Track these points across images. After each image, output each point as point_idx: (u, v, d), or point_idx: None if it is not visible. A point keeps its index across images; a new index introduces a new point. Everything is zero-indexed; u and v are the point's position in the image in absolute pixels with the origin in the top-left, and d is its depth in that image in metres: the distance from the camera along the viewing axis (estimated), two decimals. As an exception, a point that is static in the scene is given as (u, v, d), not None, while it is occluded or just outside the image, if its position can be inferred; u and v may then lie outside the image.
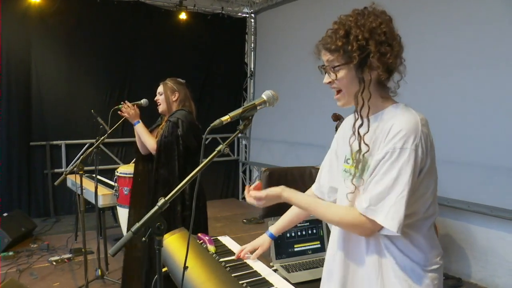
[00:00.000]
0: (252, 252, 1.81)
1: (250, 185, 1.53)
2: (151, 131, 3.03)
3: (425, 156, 1.23)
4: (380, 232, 1.25)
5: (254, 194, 1.47)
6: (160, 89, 2.95)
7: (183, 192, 2.75)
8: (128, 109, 2.92)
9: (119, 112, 2.96)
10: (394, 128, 1.23)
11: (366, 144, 1.30)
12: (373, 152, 1.29)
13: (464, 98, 3.65)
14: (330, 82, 1.35)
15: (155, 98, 2.98)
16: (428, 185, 1.27)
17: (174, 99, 2.91)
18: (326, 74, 1.35)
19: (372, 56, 1.24)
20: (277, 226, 1.79)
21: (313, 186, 1.68)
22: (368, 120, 1.31)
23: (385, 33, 1.26)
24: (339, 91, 1.36)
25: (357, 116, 1.34)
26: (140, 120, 2.92)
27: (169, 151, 2.76)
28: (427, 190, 1.27)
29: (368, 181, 1.26)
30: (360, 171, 1.31)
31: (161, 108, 2.95)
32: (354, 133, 1.35)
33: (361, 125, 1.33)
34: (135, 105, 2.96)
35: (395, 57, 1.27)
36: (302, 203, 1.42)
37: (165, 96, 2.91)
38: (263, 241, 1.82)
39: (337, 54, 1.29)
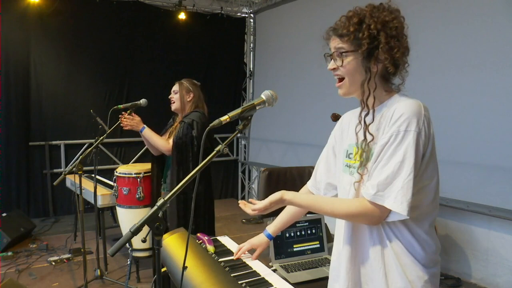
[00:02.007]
0: (250, 251, 1.81)
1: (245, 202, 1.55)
2: (164, 132, 3.04)
3: (427, 140, 1.24)
4: (388, 219, 1.26)
5: (258, 206, 1.46)
6: (176, 87, 2.99)
7: (198, 193, 2.79)
8: (129, 122, 2.88)
9: (121, 125, 2.92)
10: (396, 112, 1.25)
11: (371, 134, 1.32)
12: (376, 141, 1.30)
13: (464, 98, 3.65)
14: (334, 69, 1.36)
15: (170, 96, 3.01)
16: (431, 176, 1.28)
17: (188, 99, 2.96)
18: (332, 60, 1.36)
19: (381, 48, 1.27)
20: (274, 226, 1.79)
21: (309, 183, 1.69)
22: (374, 110, 1.34)
23: (396, 28, 1.29)
24: (341, 80, 1.36)
25: (363, 105, 1.35)
26: (145, 126, 2.91)
27: (184, 152, 2.78)
28: (430, 181, 1.28)
29: (373, 167, 1.27)
30: (364, 160, 1.32)
31: (175, 106, 2.98)
32: (360, 122, 1.37)
33: (367, 114, 1.34)
34: (131, 113, 2.91)
35: (402, 54, 1.29)
36: (305, 203, 1.41)
37: (180, 95, 2.95)
38: (260, 241, 1.81)
39: (347, 39, 1.31)
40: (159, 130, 3.21)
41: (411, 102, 1.26)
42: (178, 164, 2.78)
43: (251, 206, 1.49)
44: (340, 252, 1.42)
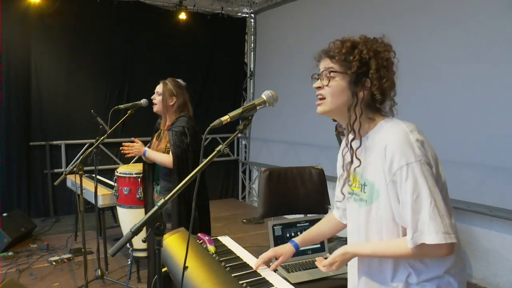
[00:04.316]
0: (270, 259, 1.72)
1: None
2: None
3: (430, 161, 1.26)
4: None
5: (325, 263, 1.44)
6: (159, 88, 2.87)
7: (199, 194, 2.77)
8: (131, 149, 2.84)
9: (126, 155, 2.89)
10: (388, 149, 1.25)
11: (358, 159, 1.36)
12: (370, 172, 1.33)
13: (464, 98, 3.64)
14: (319, 88, 1.38)
15: (152, 97, 2.90)
16: (440, 189, 1.29)
17: (171, 103, 2.84)
18: (318, 80, 1.38)
19: (371, 74, 1.29)
20: (303, 237, 1.76)
21: (336, 214, 1.69)
22: (360, 135, 1.36)
23: (387, 59, 1.32)
24: (322, 99, 1.38)
25: (349, 129, 1.37)
26: (146, 149, 2.86)
27: (183, 161, 2.72)
28: (441, 190, 1.29)
29: (400, 210, 1.27)
30: (368, 196, 1.34)
31: (156, 108, 2.89)
32: (347, 145, 1.40)
33: (353, 139, 1.37)
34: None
35: (389, 86, 1.31)
36: (367, 252, 1.39)
37: (163, 98, 2.84)
38: (285, 249, 1.74)
39: (337, 58, 1.33)
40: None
41: (397, 133, 1.27)
42: (179, 174, 2.71)
43: (321, 264, 1.47)
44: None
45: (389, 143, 1.26)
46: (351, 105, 1.32)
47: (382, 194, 1.30)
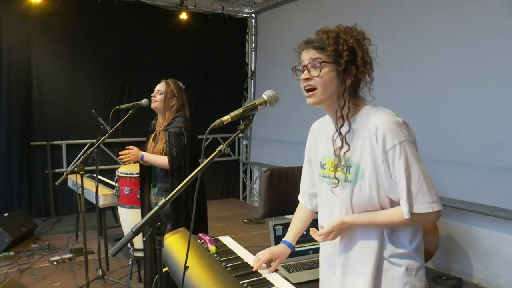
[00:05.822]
0: (269, 261, 1.72)
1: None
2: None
3: (413, 140, 1.36)
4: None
5: (321, 232, 1.45)
6: (161, 87, 2.86)
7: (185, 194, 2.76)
8: (128, 156, 2.81)
9: (125, 163, 2.88)
10: (379, 131, 1.32)
11: (347, 144, 1.39)
12: (357, 154, 1.38)
13: (464, 98, 3.64)
14: (307, 79, 1.41)
15: (152, 94, 2.88)
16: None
17: (171, 104, 2.84)
18: (305, 71, 1.42)
19: (359, 61, 1.34)
20: (292, 234, 1.76)
21: (301, 200, 1.78)
22: (349, 120, 1.39)
23: (366, 46, 1.39)
24: (311, 90, 1.41)
25: (338, 116, 1.40)
26: (143, 153, 2.84)
27: (180, 161, 2.71)
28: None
29: (393, 185, 1.35)
30: (353, 176, 1.39)
31: (155, 105, 2.86)
32: (337, 130, 1.42)
33: (342, 124, 1.40)
34: (127, 147, 2.83)
35: (372, 70, 1.39)
36: (363, 222, 1.42)
37: (164, 97, 2.83)
38: (281, 251, 1.73)
39: (326, 49, 1.36)
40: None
41: (385, 115, 1.35)
42: (174, 175, 2.70)
43: (318, 233, 1.48)
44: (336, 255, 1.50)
45: (379, 125, 1.33)
46: (340, 93, 1.37)
47: (367, 173, 1.36)
